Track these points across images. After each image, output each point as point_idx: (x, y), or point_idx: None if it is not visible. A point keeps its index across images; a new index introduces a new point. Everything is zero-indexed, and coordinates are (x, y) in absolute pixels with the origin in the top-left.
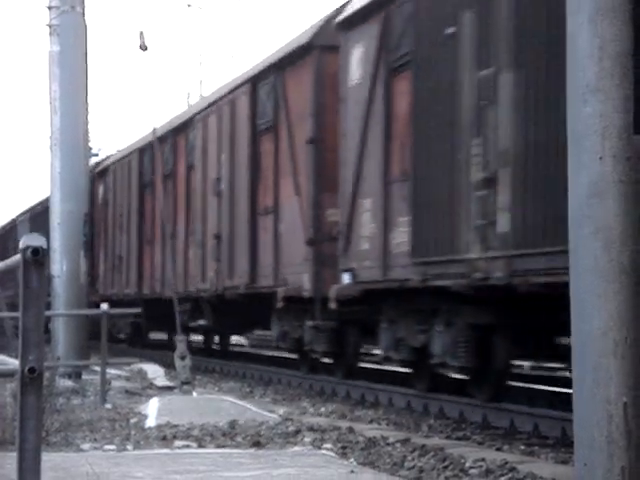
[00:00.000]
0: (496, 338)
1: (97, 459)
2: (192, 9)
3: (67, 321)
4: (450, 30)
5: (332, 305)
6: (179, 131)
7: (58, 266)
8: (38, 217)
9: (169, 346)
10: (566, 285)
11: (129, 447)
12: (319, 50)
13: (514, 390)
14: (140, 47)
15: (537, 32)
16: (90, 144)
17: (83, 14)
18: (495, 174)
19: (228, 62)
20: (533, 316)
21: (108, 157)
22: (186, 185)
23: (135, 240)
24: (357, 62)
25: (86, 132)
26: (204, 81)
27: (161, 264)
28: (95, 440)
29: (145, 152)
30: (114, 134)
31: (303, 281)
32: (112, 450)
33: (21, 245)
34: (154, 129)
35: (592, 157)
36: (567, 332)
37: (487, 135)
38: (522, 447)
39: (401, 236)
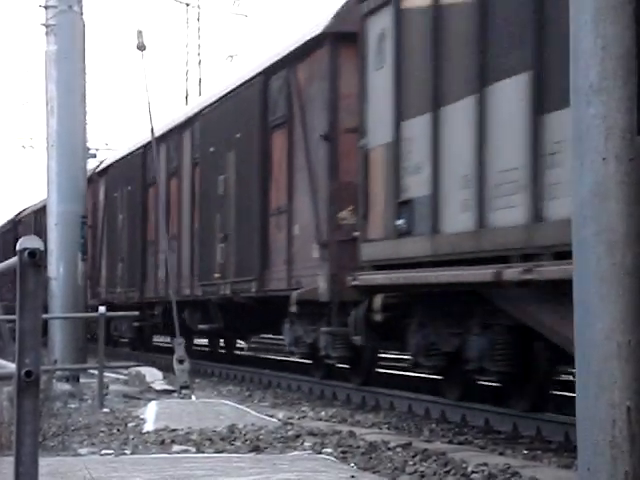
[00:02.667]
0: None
1: (95, 464)
2: (191, 8)
3: (64, 324)
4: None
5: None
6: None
7: (55, 268)
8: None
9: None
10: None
11: (127, 451)
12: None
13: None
14: (138, 46)
15: None
16: (88, 145)
17: (81, 13)
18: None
19: (227, 62)
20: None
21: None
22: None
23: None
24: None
25: (84, 133)
26: (203, 80)
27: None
28: (93, 444)
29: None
30: (112, 134)
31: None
32: (110, 454)
33: (18, 247)
34: (151, 129)
35: (595, 158)
36: None
37: (224, 209)
38: (525, 451)
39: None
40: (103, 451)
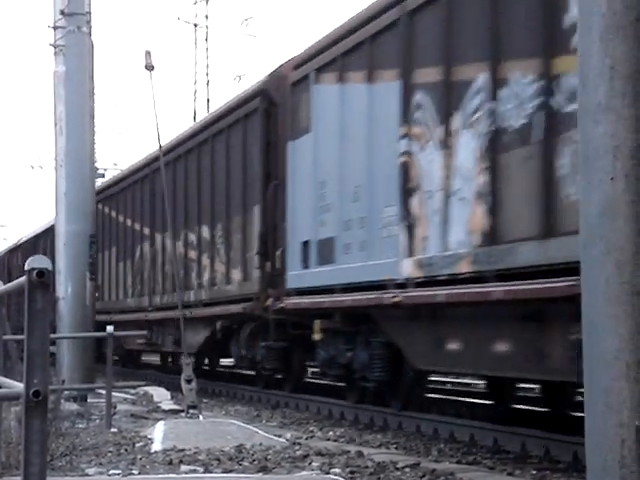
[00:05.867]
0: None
1: None
2: (199, 28)
3: (72, 343)
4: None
5: None
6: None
7: (63, 288)
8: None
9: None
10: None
11: (135, 472)
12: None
13: (525, 413)
14: (146, 67)
15: None
16: (96, 164)
17: (89, 34)
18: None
19: (235, 82)
20: None
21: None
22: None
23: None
24: None
25: (92, 153)
26: (211, 100)
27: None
28: (100, 464)
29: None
30: (120, 154)
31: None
32: (117, 475)
33: (26, 267)
34: (159, 148)
35: (603, 177)
36: None
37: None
38: (533, 472)
39: None
40: (111, 471)
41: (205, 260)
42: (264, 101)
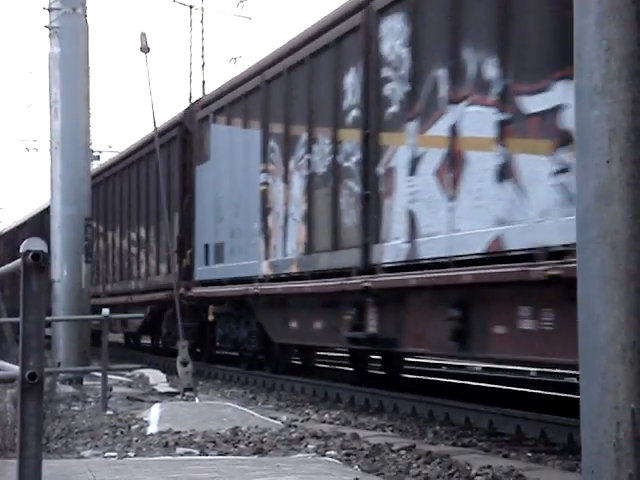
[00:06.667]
0: None
1: (98, 466)
2: (195, 10)
3: (68, 326)
4: None
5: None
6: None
7: (59, 270)
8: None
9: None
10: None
11: (130, 454)
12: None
13: (521, 396)
14: (142, 49)
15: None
16: (91, 147)
17: (85, 16)
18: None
19: (231, 64)
20: None
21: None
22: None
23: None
24: None
25: (87, 135)
26: (207, 82)
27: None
28: (96, 447)
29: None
30: (116, 137)
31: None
32: (113, 457)
33: (22, 249)
34: (154, 130)
35: (599, 160)
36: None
37: None
38: (529, 454)
39: None
40: (107, 453)
41: (142, 255)
42: (181, 130)
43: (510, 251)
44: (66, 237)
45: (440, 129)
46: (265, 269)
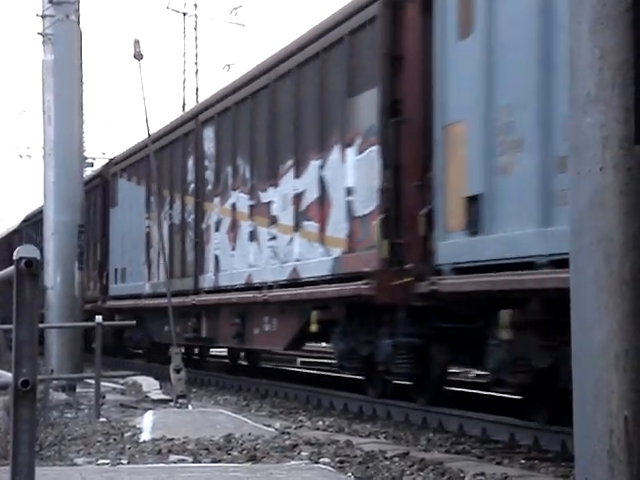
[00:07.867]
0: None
1: (91, 473)
2: (188, 17)
3: (61, 333)
4: None
5: None
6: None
7: (52, 277)
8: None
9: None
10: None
11: (123, 461)
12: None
13: (513, 403)
14: (135, 56)
15: None
16: (85, 154)
17: (78, 23)
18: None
19: (224, 71)
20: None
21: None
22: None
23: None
24: None
25: (81, 142)
26: (200, 89)
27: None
28: (89, 454)
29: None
30: (109, 143)
31: None
32: (106, 464)
33: (15, 256)
34: (148, 137)
35: (593, 168)
36: None
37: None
38: (522, 461)
39: None
40: (100, 461)
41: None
42: (102, 180)
43: (255, 283)
44: (59, 244)
45: (228, 204)
46: (147, 288)
